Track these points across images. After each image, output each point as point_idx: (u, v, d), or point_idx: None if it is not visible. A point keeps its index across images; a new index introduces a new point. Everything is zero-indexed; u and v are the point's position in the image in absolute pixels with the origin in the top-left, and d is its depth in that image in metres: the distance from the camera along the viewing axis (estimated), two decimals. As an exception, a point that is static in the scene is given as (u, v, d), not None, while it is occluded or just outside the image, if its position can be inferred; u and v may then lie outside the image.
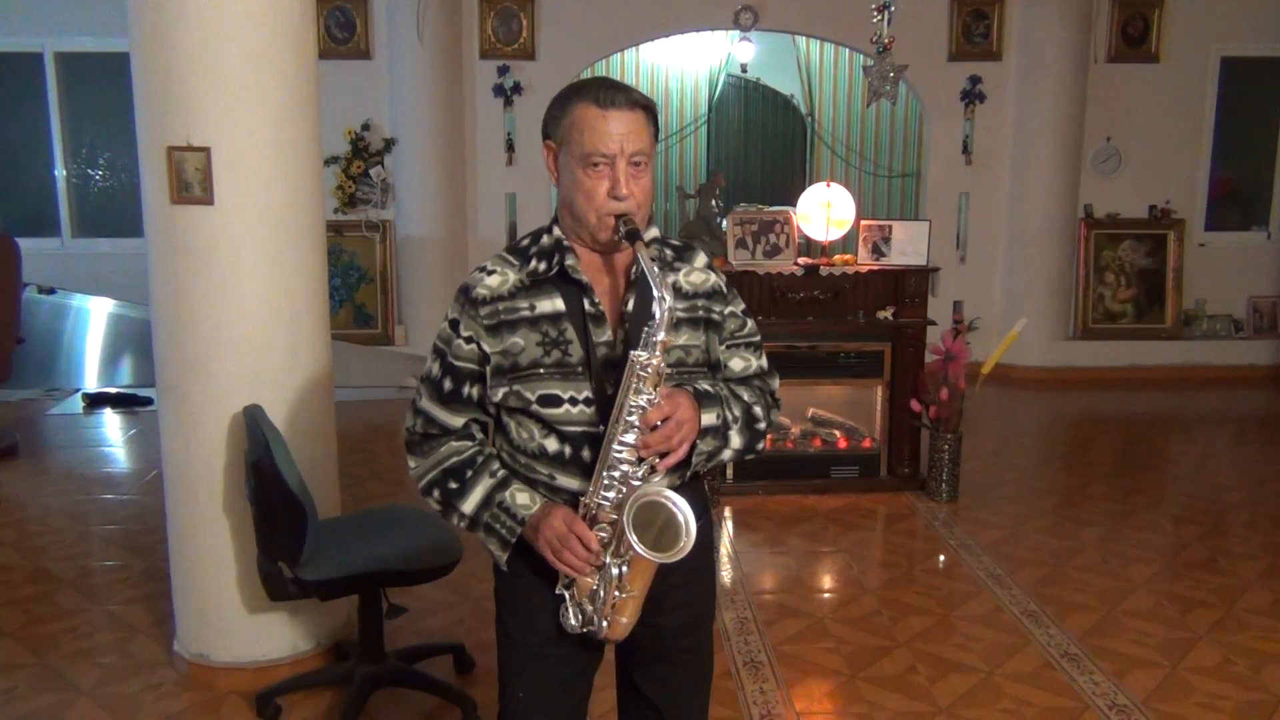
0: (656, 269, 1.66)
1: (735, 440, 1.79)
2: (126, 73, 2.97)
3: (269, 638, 3.15)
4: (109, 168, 7.81)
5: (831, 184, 5.15)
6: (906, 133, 8.87)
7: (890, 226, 5.10)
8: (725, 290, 1.86)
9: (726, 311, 1.85)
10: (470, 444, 1.79)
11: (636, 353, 1.66)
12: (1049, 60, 7.39)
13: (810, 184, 6.09)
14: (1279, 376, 7.72)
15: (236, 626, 3.13)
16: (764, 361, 1.90)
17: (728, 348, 1.86)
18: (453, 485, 1.77)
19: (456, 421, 1.78)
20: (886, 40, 5.29)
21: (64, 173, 7.66)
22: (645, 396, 1.65)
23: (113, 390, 6.88)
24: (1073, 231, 7.68)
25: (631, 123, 1.68)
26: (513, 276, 1.74)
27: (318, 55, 3.14)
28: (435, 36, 7.13)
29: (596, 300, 1.73)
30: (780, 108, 9.26)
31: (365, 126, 7.36)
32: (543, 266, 1.74)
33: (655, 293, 1.65)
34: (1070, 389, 7.43)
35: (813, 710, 3.07)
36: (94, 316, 7.27)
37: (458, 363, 1.75)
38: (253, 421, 2.80)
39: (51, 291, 7.18)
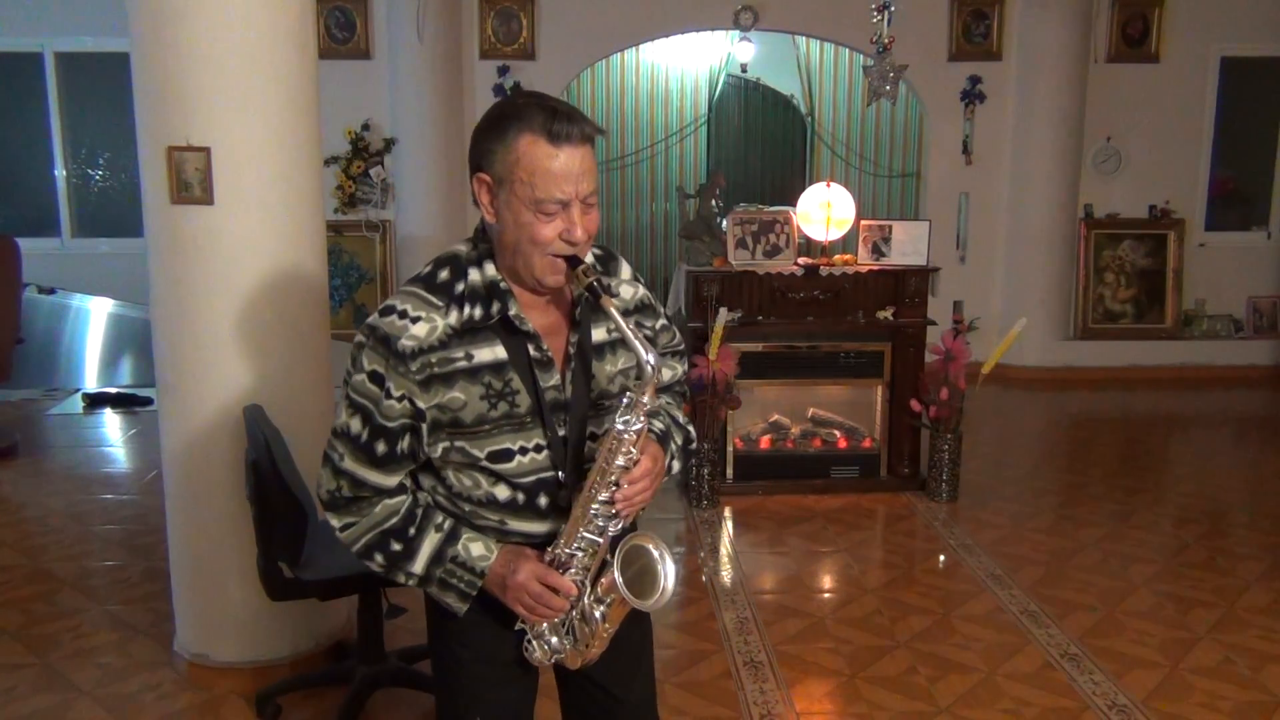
0: (631, 328, 1.57)
1: (675, 467, 1.81)
2: (126, 73, 2.97)
3: (269, 638, 3.15)
4: (109, 168, 7.81)
5: (831, 184, 5.15)
6: (906, 133, 8.86)
7: (890, 226, 5.10)
8: (652, 302, 1.81)
9: (659, 326, 1.81)
10: (404, 498, 1.65)
11: (623, 419, 1.59)
12: (1049, 60, 7.38)
13: (810, 184, 6.09)
14: (1279, 376, 7.72)
15: (236, 626, 3.13)
16: (684, 365, 1.93)
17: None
18: (396, 547, 1.64)
19: (390, 481, 1.63)
20: (886, 40, 5.28)
21: (64, 173, 7.67)
22: (625, 457, 1.60)
23: (113, 390, 6.88)
24: (1073, 231, 7.68)
25: (585, 160, 1.53)
26: (441, 322, 1.56)
27: (318, 55, 3.14)
28: (435, 36, 7.13)
29: (544, 346, 1.61)
30: (780, 108, 9.25)
31: (365, 126, 7.36)
32: (479, 313, 1.57)
33: (642, 358, 1.57)
34: (1070, 389, 7.43)
35: (813, 710, 3.07)
36: (94, 316, 7.26)
37: (390, 423, 1.57)
38: (253, 421, 2.80)
39: (51, 291, 7.18)
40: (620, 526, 1.65)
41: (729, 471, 4.96)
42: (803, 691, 3.14)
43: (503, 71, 7.41)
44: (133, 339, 7.17)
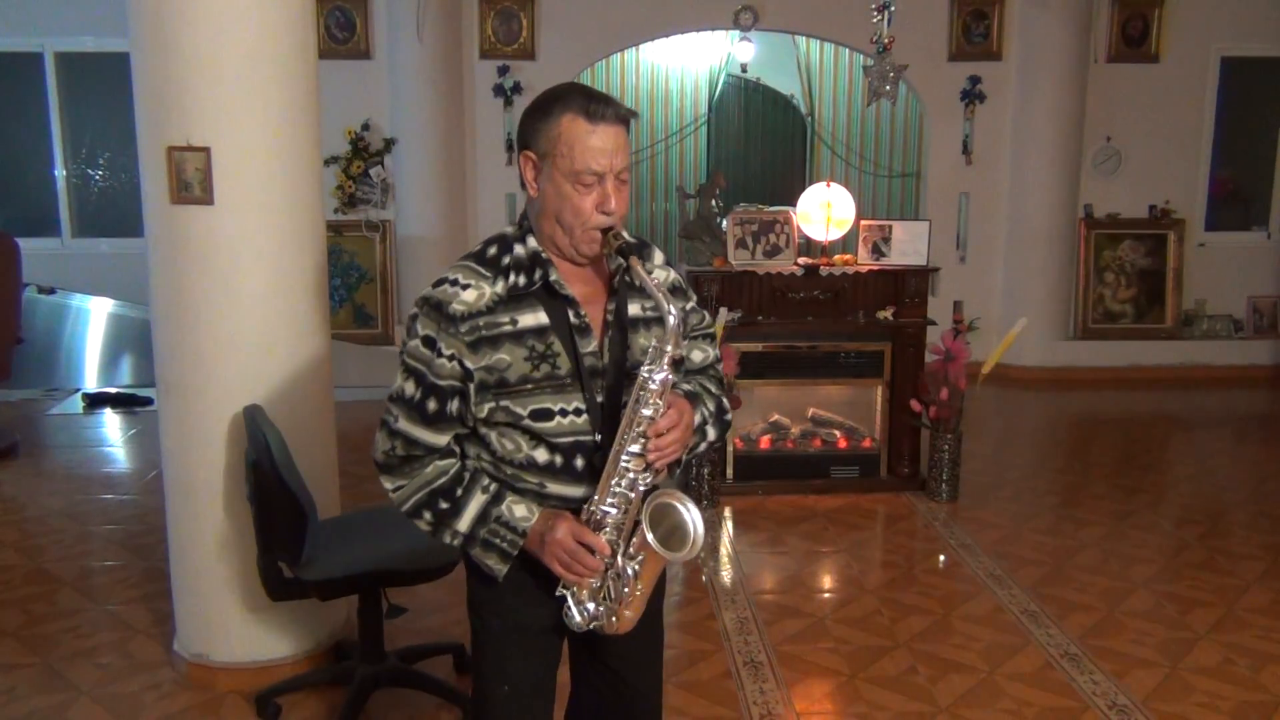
0: (654, 284, 1.71)
1: (711, 434, 1.90)
2: (126, 73, 2.97)
3: (269, 638, 3.16)
4: (109, 168, 7.80)
5: (831, 184, 5.15)
6: (906, 133, 8.87)
7: (890, 226, 5.10)
8: (684, 285, 1.93)
9: (689, 308, 1.92)
10: (454, 460, 1.78)
11: (648, 368, 1.71)
12: (1049, 60, 7.39)
13: (810, 184, 6.09)
14: (1279, 376, 7.72)
15: (236, 626, 3.13)
16: (716, 350, 2.02)
17: (689, 340, 1.94)
18: (444, 505, 1.76)
19: (441, 440, 1.76)
20: (886, 40, 5.28)
21: (64, 173, 7.66)
22: (652, 408, 1.71)
23: (113, 390, 6.88)
24: (1073, 231, 7.68)
25: (618, 138, 1.71)
26: (488, 290, 1.73)
27: (318, 55, 3.14)
28: (435, 36, 7.13)
29: (582, 313, 1.76)
30: (780, 108, 9.26)
31: (365, 126, 7.36)
32: (523, 280, 1.74)
33: (663, 308, 1.70)
34: (1070, 389, 7.43)
35: (813, 710, 3.07)
36: (94, 316, 7.26)
37: (440, 381, 1.72)
38: (253, 421, 2.80)
39: (51, 291, 7.18)
40: (650, 481, 1.74)
41: (729, 471, 4.96)
42: (803, 691, 3.15)
43: (503, 71, 7.41)
44: (133, 339, 7.17)
